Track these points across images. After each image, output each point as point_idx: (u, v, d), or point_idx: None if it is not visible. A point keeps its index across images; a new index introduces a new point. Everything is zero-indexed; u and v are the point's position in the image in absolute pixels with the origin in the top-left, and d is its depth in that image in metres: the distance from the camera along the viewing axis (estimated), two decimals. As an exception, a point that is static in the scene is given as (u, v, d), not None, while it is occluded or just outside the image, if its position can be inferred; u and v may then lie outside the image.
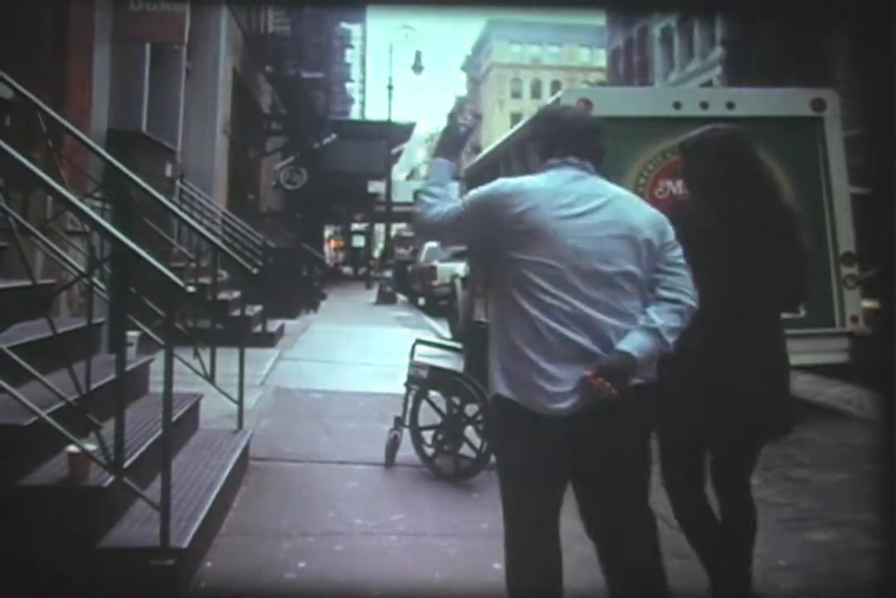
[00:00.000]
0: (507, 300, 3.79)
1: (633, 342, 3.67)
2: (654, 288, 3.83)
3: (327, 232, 62.27)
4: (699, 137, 4.70)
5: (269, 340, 14.24)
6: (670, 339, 3.74)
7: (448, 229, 3.98)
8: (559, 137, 4.00)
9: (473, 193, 3.94)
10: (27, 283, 5.06)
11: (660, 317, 3.74)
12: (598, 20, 58.29)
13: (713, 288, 4.05)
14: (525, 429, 3.79)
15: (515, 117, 63.28)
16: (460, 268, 18.43)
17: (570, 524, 6.19)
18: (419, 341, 7.95)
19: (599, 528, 4.20)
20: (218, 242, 8.71)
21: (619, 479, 3.94)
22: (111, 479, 4.55)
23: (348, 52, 43.74)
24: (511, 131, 14.23)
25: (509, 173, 12.93)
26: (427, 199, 3.99)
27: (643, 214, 3.90)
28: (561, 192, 3.79)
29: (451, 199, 4.00)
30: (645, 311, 3.77)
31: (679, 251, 3.91)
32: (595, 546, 4.23)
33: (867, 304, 10.59)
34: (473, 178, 16.82)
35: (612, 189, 3.94)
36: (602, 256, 3.72)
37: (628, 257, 3.77)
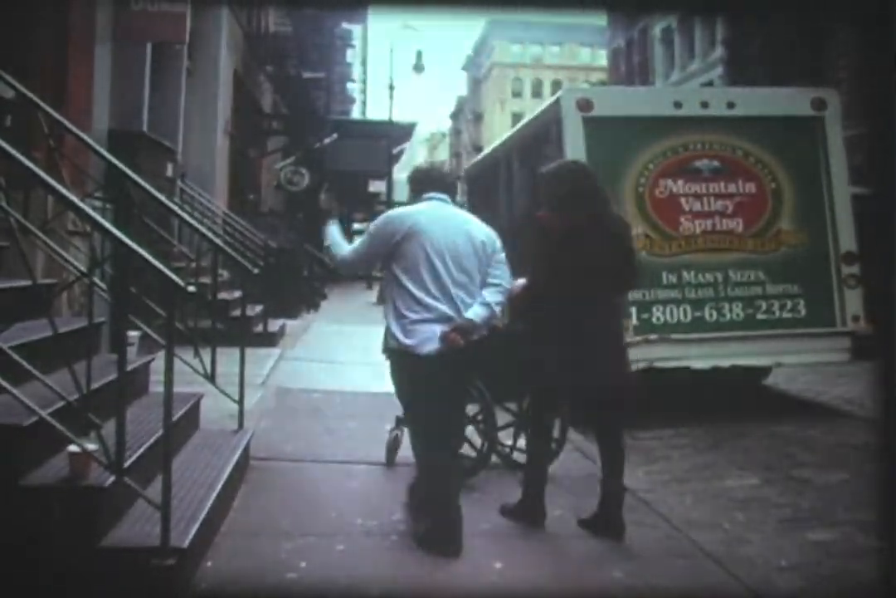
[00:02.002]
0: (397, 282, 5.76)
1: (475, 312, 5.77)
2: (485, 277, 5.92)
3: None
4: (556, 168, 6.36)
5: (270, 339, 14.23)
6: (497, 308, 5.92)
7: (362, 255, 6.07)
8: (428, 181, 6.17)
9: (373, 226, 6.00)
10: (28, 283, 5.06)
11: (490, 296, 5.89)
12: (599, 20, 58.24)
13: (570, 277, 5.94)
14: (409, 364, 5.73)
15: (517, 117, 63.24)
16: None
17: (569, 522, 6.22)
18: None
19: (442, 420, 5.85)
20: (218, 241, 8.69)
21: (457, 393, 5.99)
22: (112, 479, 4.55)
23: (349, 51, 43.79)
24: (512, 131, 14.23)
25: (510, 172, 12.96)
26: (334, 251, 6.21)
27: (481, 230, 6.04)
28: (432, 214, 5.90)
29: (345, 246, 6.19)
30: (481, 292, 5.86)
31: (502, 255, 6.06)
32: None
33: None
34: (474, 177, 16.84)
35: (462, 212, 6.25)
36: (457, 253, 5.79)
37: (472, 255, 5.86)
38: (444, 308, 5.66)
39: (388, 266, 5.85)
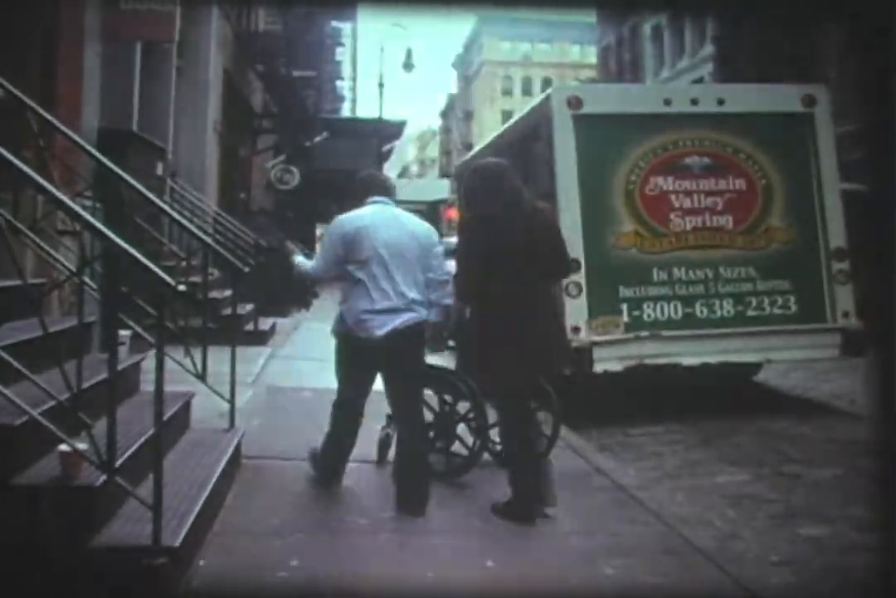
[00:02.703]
0: (351, 277, 6.45)
1: (435, 314, 6.62)
2: (426, 270, 6.60)
3: (318, 230, 62.14)
4: (474, 167, 6.88)
5: (260, 338, 14.23)
6: (448, 301, 6.68)
7: (327, 260, 6.64)
8: (370, 187, 6.86)
9: (326, 232, 6.78)
10: (18, 282, 5.05)
11: (444, 298, 6.67)
12: (589, 17, 58.25)
13: (507, 267, 6.23)
14: (353, 347, 6.51)
15: (507, 115, 63.21)
16: (451, 266, 18.42)
17: (568, 522, 6.23)
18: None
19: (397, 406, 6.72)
20: (209, 240, 8.68)
21: (410, 378, 6.61)
22: (103, 478, 4.54)
23: (339, 50, 43.64)
24: (502, 129, 14.24)
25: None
26: (304, 270, 7.00)
27: (420, 226, 6.75)
28: (376, 215, 6.58)
29: (309, 261, 6.99)
30: (429, 287, 6.61)
31: (440, 248, 6.79)
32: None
33: None
34: (464, 174, 16.83)
35: (403, 212, 6.84)
36: (401, 248, 6.47)
37: (414, 249, 6.53)
38: (392, 300, 6.39)
39: (342, 264, 6.55)
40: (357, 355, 6.54)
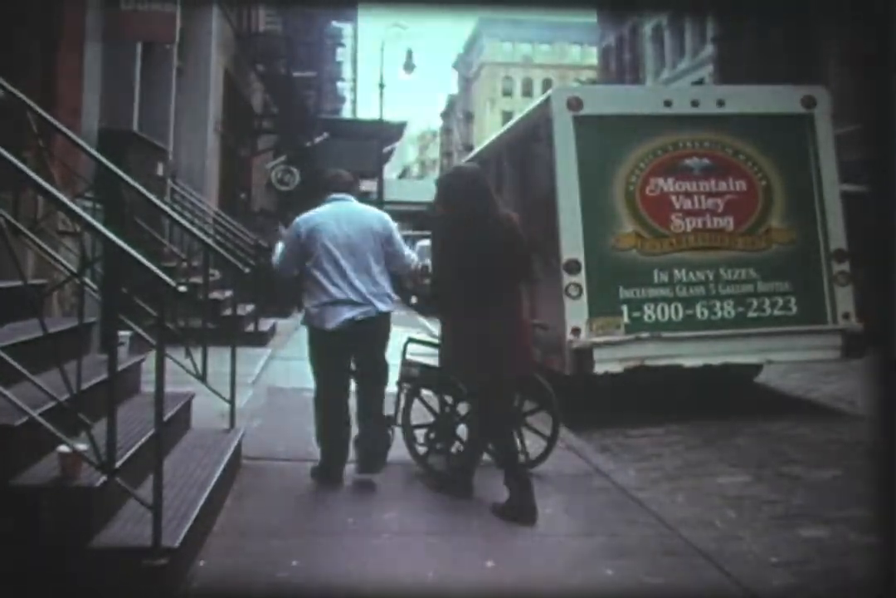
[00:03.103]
0: (308, 273, 6.92)
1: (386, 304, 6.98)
2: (390, 260, 7.07)
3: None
4: (450, 173, 7.26)
5: (261, 339, 14.24)
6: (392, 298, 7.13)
7: (287, 258, 7.17)
8: (330, 185, 7.26)
9: (286, 235, 7.36)
10: (18, 283, 5.05)
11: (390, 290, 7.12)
12: (590, 18, 58.25)
13: (474, 268, 6.40)
14: (318, 337, 6.94)
15: (507, 116, 63.25)
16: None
17: (568, 522, 6.23)
18: (411, 340, 7.94)
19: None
20: (209, 241, 8.70)
21: (368, 369, 7.06)
22: (103, 479, 4.54)
23: (339, 50, 43.66)
24: (502, 130, 14.24)
25: (500, 171, 12.96)
26: (273, 261, 7.45)
27: (374, 217, 7.16)
28: (330, 212, 7.04)
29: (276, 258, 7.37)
30: (385, 275, 7.04)
31: (397, 235, 7.20)
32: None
33: None
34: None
35: (360, 206, 7.30)
36: (352, 243, 6.87)
37: (368, 241, 6.93)
38: (345, 293, 6.81)
39: (301, 262, 7.07)
40: (320, 345, 6.98)
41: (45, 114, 7.12)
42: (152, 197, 7.80)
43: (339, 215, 7.02)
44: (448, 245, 6.68)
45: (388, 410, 7.44)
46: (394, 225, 7.26)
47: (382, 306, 6.95)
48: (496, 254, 6.47)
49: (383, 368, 7.15)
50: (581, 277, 10.05)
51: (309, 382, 7.34)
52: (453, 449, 7.40)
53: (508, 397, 6.90)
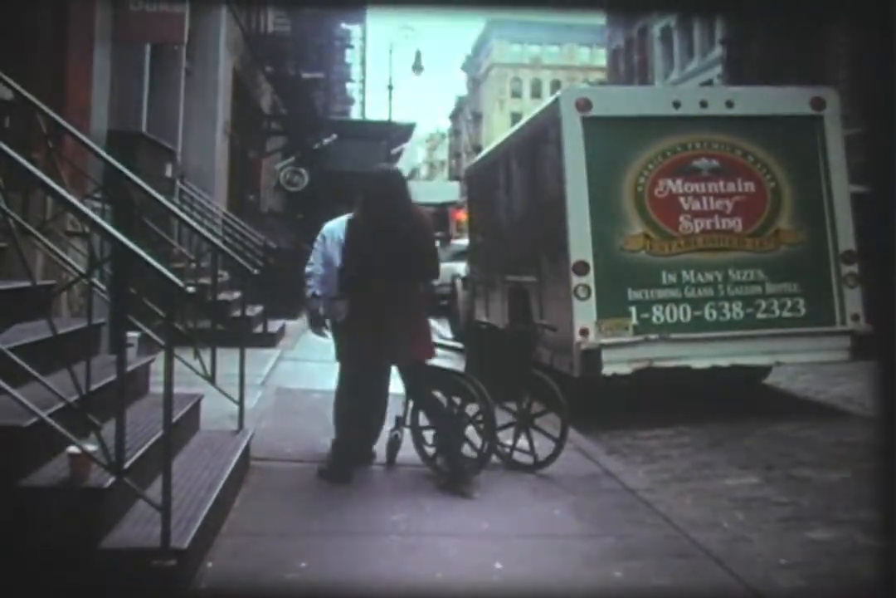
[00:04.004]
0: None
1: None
2: None
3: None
4: (374, 172, 7.54)
5: (269, 340, 14.25)
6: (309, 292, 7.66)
7: (319, 262, 7.55)
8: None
9: (320, 238, 7.64)
10: (27, 284, 5.06)
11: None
12: (598, 20, 58.19)
13: (381, 265, 6.87)
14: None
15: (516, 117, 63.14)
16: (461, 268, 18.42)
17: (577, 524, 6.23)
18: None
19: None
20: (218, 242, 8.71)
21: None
22: (112, 479, 4.55)
23: (348, 52, 43.66)
24: (511, 131, 14.24)
25: (509, 172, 12.96)
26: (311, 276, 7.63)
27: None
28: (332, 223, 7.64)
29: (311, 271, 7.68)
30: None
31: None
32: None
33: None
34: (474, 177, 16.84)
35: (342, 218, 7.54)
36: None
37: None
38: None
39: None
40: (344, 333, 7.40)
41: (54, 115, 7.13)
42: (161, 198, 7.81)
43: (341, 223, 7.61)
44: (360, 240, 7.09)
45: (398, 411, 7.47)
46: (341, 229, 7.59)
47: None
48: (401, 251, 6.93)
49: None
50: (590, 279, 10.05)
51: (318, 383, 7.39)
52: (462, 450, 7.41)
53: (424, 382, 7.32)
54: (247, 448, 6.99)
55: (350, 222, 7.32)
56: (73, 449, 4.59)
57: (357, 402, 7.22)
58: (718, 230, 10.52)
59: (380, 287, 6.94)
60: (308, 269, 7.65)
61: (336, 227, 7.52)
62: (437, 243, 8.07)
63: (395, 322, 6.94)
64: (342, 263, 7.26)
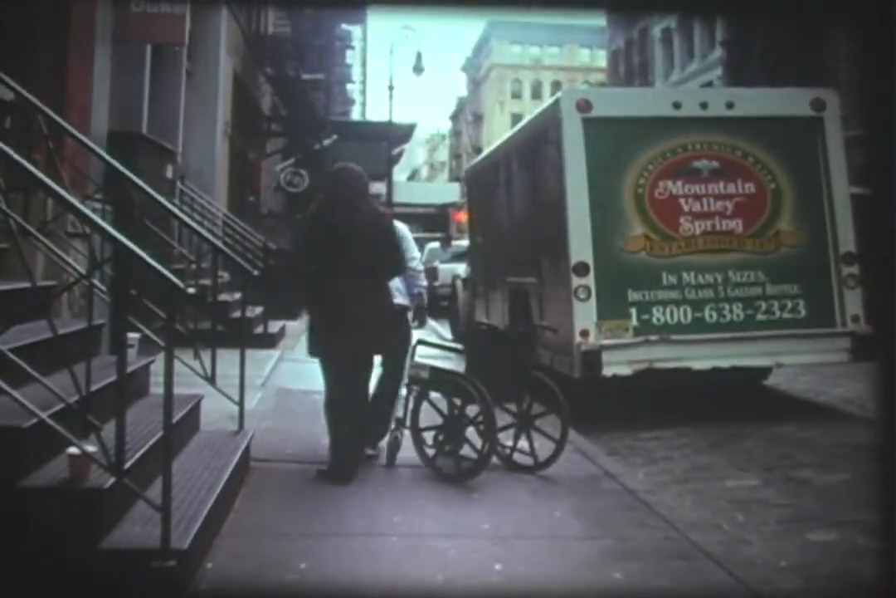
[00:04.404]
0: None
1: None
2: None
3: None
4: (332, 170, 7.69)
5: (270, 341, 14.25)
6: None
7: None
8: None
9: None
10: (28, 284, 5.06)
11: None
12: (599, 21, 58.24)
13: (339, 263, 6.99)
14: None
15: (516, 118, 63.14)
16: (461, 269, 18.43)
17: (577, 525, 6.23)
18: (420, 342, 7.95)
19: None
20: (218, 243, 8.72)
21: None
22: (112, 480, 4.55)
23: (349, 53, 43.76)
24: (511, 132, 14.24)
25: (510, 173, 12.96)
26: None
27: None
28: None
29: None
30: None
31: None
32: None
33: None
34: (474, 178, 16.84)
35: None
36: None
37: None
38: None
39: None
40: None
41: (55, 116, 7.14)
42: (162, 199, 7.82)
43: None
44: (316, 239, 7.19)
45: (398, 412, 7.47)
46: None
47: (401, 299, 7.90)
48: (358, 249, 7.04)
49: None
50: (590, 280, 10.05)
51: (318, 384, 7.38)
52: (462, 451, 7.40)
53: (366, 372, 7.46)
54: (247, 449, 6.99)
55: (308, 221, 7.51)
56: (73, 450, 4.59)
57: (340, 401, 7.22)
58: (719, 231, 10.53)
59: (341, 285, 7.02)
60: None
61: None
62: (409, 239, 8.14)
63: (359, 319, 7.02)
64: (301, 262, 7.44)
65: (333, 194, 7.32)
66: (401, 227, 7.99)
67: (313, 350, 7.31)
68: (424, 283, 8.32)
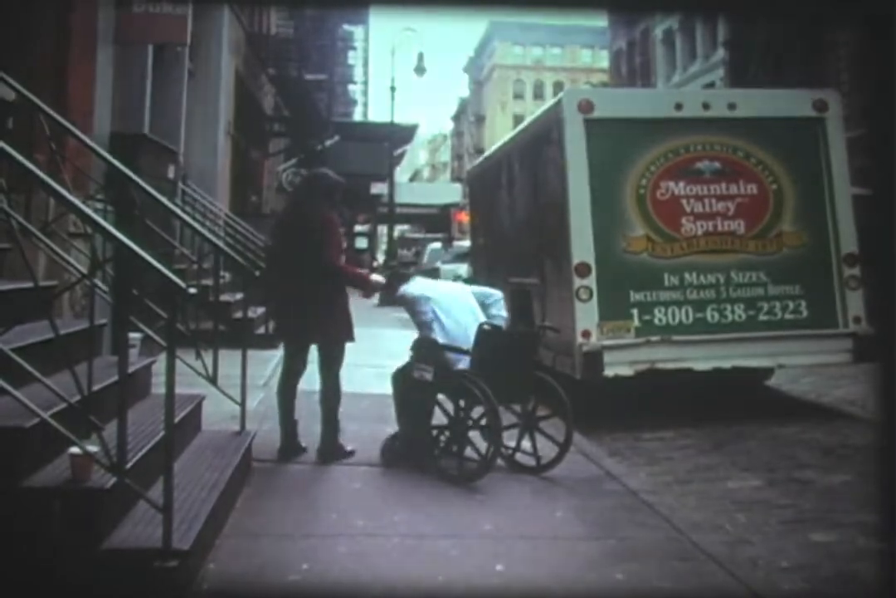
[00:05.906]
0: None
1: None
2: None
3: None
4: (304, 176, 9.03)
5: (271, 341, 14.20)
6: None
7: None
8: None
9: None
10: (29, 284, 5.06)
11: None
12: (601, 21, 58.26)
13: (293, 259, 7.59)
14: None
15: (518, 118, 63.16)
16: (463, 270, 18.44)
17: (579, 526, 6.23)
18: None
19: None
20: (220, 243, 8.71)
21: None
22: (113, 480, 4.55)
23: (351, 53, 43.70)
24: (513, 133, 14.23)
25: (512, 174, 12.96)
26: None
27: None
28: None
29: None
30: None
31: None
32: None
33: None
34: (476, 178, 16.85)
35: None
36: None
37: None
38: None
39: None
40: None
41: (57, 116, 7.13)
42: (163, 199, 7.82)
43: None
44: (274, 239, 8.28)
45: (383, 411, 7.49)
46: None
47: None
48: (303, 248, 7.57)
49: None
50: (591, 281, 10.05)
51: (318, 384, 7.39)
52: (466, 452, 7.40)
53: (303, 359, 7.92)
54: (248, 449, 6.99)
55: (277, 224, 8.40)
56: (74, 450, 4.59)
57: (285, 382, 7.89)
58: (721, 232, 10.52)
59: (290, 279, 7.68)
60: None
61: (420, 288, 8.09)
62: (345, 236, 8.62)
63: (306, 308, 7.56)
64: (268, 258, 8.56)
65: (292, 201, 8.37)
66: (411, 289, 8.14)
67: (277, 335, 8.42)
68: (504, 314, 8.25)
